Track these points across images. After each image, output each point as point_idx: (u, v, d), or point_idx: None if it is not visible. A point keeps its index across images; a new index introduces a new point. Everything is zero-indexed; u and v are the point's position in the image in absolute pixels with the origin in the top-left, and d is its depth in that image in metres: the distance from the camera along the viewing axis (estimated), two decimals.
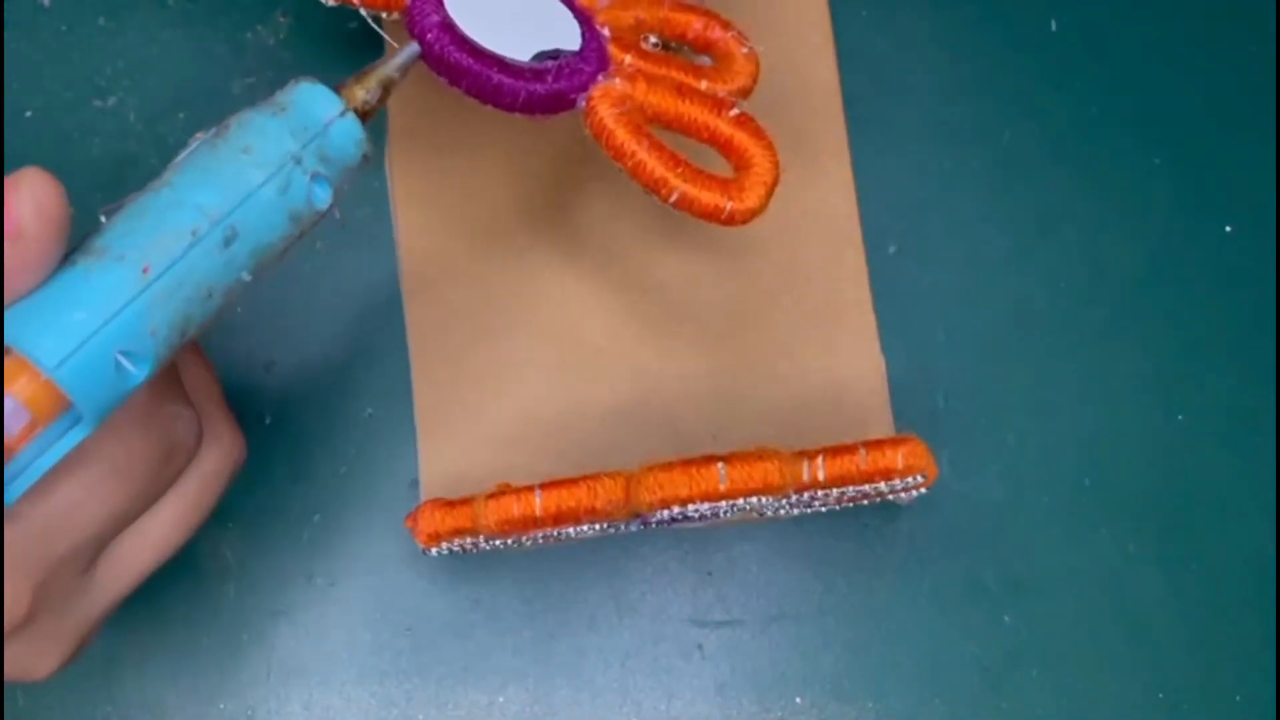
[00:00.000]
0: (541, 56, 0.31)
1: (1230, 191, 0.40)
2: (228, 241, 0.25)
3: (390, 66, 0.29)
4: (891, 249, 0.40)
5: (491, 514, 0.33)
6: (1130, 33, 0.41)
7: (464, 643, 0.38)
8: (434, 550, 0.35)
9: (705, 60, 0.33)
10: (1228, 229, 0.40)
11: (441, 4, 0.30)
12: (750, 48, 0.33)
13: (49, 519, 0.26)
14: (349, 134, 0.28)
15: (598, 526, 0.34)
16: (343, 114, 0.28)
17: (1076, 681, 0.37)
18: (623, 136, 0.30)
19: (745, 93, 0.32)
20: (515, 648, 0.38)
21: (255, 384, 0.39)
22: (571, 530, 0.34)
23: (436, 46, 0.30)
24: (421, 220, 0.39)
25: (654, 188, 0.30)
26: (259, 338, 0.39)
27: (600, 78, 0.31)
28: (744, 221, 0.31)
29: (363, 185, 0.39)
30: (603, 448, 0.38)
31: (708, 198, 0.30)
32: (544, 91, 0.30)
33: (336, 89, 0.28)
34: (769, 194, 0.31)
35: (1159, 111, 0.40)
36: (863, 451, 0.33)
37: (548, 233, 0.40)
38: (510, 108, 0.31)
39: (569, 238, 0.40)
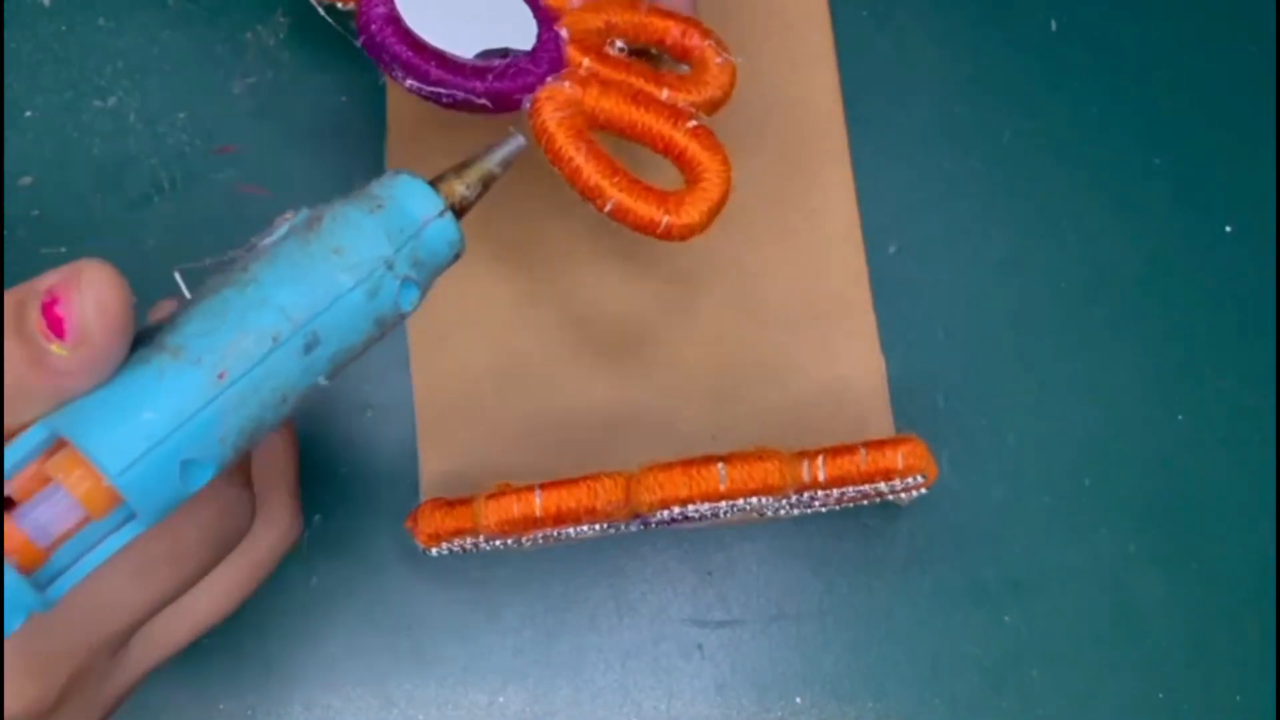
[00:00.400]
0: (490, 54, 0.30)
1: (1230, 191, 0.40)
2: (309, 348, 0.24)
3: (492, 161, 0.27)
4: (891, 249, 0.40)
5: (491, 514, 0.33)
6: (1130, 33, 0.41)
7: (464, 643, 0.38)
8: (434, 550, 0.35)
9: (685, 69, 0.32)
10: (1228, 229, 0.40)
11: None
12: (725, 58, 0.32)
13: (90, 608, 0.25)
14: (444, 235, 0.26)
15: (598, 526, 0.34)
16: (441, 214, 0.26)
17: (1076, 681, 0.37)
18: (562, 140, 0.29)
19: (715, 104, 0.31)
20: (515, 648, 0.38)
21: None
22: (571, 530, 0.34)
23: (379, 38, 0.30)
24: None
25: (589, 195, 0.29)
26: None
27: (550, 79, 0.30)
28: (682, 237, 0.30)
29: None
30: (603, 448, 0.38)
31: (643, 209, 0.29)
32: (481, 89, 0.30)
33: (434, 182, 0.26)
34: (713, 211, 0.30)
35: (1159, 111, 0.40)
36: (863, 451, 0.33)
37: (547, 233, 0.40)
38: (447, 104, 0.30)
39: (569, 238, 0.40)
